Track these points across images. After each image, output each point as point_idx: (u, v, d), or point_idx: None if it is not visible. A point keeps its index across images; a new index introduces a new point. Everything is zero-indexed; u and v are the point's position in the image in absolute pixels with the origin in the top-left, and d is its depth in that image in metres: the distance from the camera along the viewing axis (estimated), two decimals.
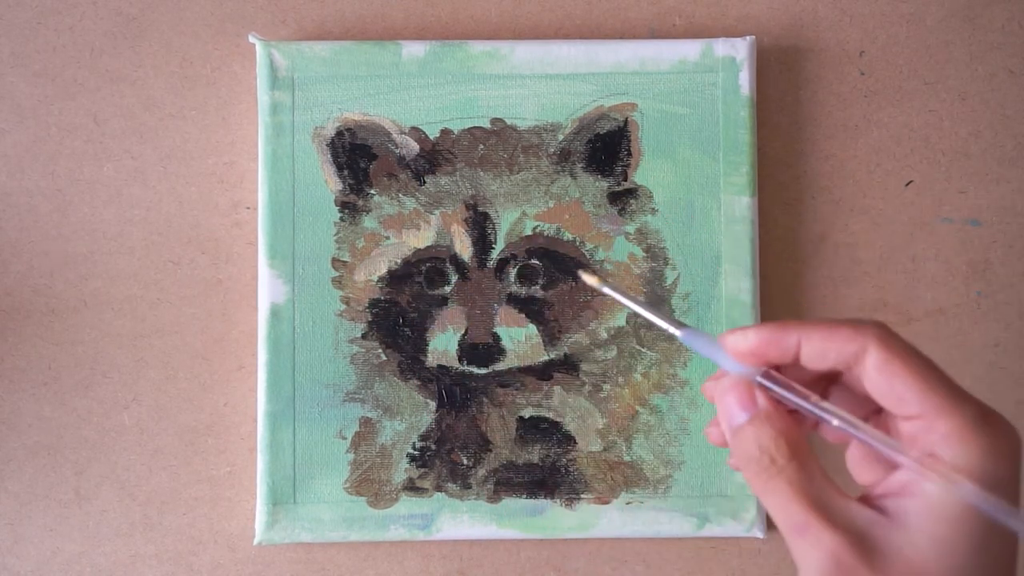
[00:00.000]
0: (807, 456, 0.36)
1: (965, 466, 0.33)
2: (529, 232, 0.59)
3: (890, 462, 0.37)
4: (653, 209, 0.59)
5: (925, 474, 0.34)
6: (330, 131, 0.59)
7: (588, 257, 0.59)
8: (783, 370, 0.39)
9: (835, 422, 0.37)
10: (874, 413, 0.39)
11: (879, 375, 0.35)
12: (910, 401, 0.35)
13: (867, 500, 0.36)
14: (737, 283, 0.59)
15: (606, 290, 0.43)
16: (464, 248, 0.59)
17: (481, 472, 0.59)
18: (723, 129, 0.59)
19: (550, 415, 0.59)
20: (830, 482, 0.36)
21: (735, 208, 0.59)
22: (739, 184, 0.59)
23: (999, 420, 0.34)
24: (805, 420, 0.40)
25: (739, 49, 0.59)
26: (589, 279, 0.45)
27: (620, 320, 0.59)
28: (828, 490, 0.35)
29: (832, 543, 0.34)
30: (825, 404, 0.37)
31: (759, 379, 0.38)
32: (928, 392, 0.34)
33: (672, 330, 0.41)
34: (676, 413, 0.59)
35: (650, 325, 0.59)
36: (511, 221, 0.59)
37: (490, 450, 0.59)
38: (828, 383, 0.40)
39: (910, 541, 0.34)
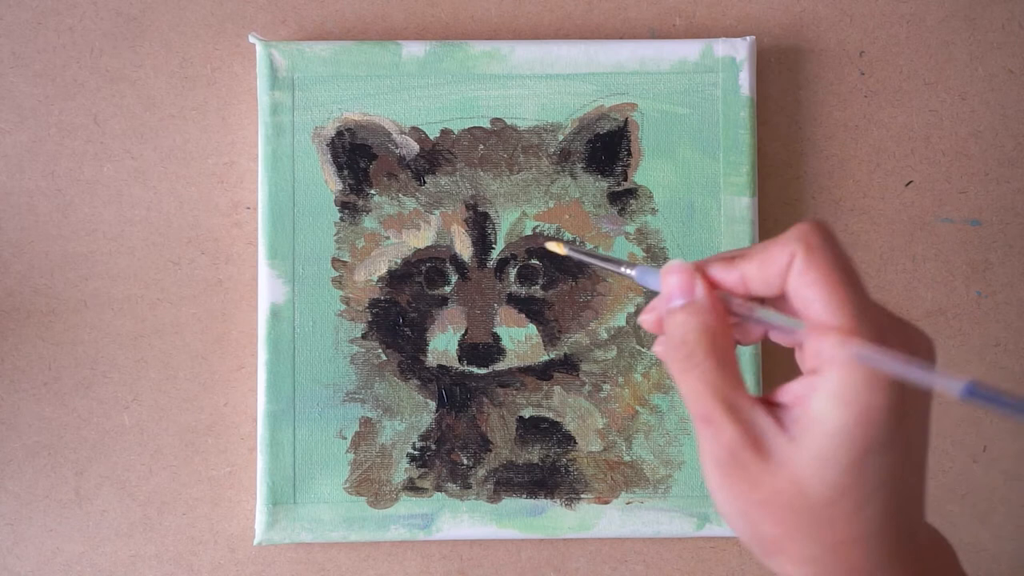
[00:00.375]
0: (725, 354, 0.37)
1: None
2: (529, 232, 0.59)
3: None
4: (653, 209, 0.59)
5: (817, 337, 0.35)
6: (330, 131, 0.59)
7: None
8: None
9: (735, 305, 0.38)
10: None
11: (796, 283, 0.36)
12: (819, 312, 0.36)
13: (769, 404, 0.37)
14: None
15: (569, 252, 0.45)
16: (464, 248, 0.59)
17: (481, 472, 0.59)
18: (723, 129, 0.59)
19: (550, 415, 0.59)
20: (741, 383, 0.37)
21: (735, 208, 0.59)
22: (739, 184, 0.59)
23: (892, 343, 0.35)
24: (747, 327, 0.41)
25: (739, 49, 0.59)
26: (554, 247, 0.46)
27: (620, 320, 0.59)
28: (738, 390, 0.37)
29: (732, 436, 0.36)
30: (739, 300, 0.39)
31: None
32: (834, 306, 0.35)
33: (626, 272, 0.42)
34: (676, 413, 0.59)
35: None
36: (511, 221, 0.59)
37: (490, 450, 0.59)
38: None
39: (796, 453, 0.35)
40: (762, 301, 0.39)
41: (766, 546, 0.37)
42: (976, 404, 0.32)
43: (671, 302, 0.39)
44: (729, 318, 0.39)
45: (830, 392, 0.34)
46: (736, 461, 0.36)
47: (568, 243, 0.46)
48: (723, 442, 0.36)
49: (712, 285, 0.39)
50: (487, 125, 0.59)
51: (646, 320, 0.41)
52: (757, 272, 0.38)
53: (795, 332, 0.37)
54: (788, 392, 0.37)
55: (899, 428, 0.35)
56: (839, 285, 0.36)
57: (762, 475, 0.36)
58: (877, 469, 0.35)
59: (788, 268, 0.37)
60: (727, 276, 0.38)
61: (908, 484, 0.36)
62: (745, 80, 0.59)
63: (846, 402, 0.34)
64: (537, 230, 0.59)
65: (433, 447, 0.59)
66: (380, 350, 0.59)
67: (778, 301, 0.39)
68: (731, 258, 0.39)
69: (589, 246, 0.59)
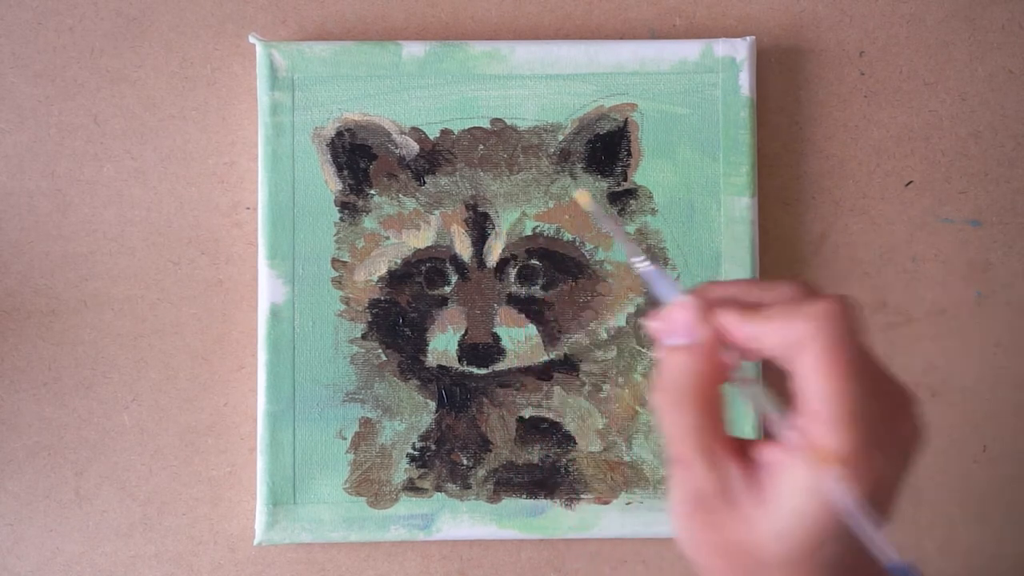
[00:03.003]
0: (712, 401, 0.38)
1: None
2: (529, 232, 0.59)
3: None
4: (653, 209, 0.59)
5: (794, 452, 0.36)
6: (330, 131, 0.59)
7: (588, 257, 0.59)
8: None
9: (733, 369, 0.39)
10: None
11: (804, 368, 0.37)
12: (812, 402, 0.36)
13: (744, 454, 0.38)
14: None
15: (593, 210, 0.44)
16: (464, 248, 0.59)
17: (481, 472, 0.59)
18: (723, 129, 0.59)
19: (550, 415, 0.59)
20: (722, 431, 0.38)
21: (735, 208, 0.59)
22: (739, 184, 0.59)
23: (873, 456, 0.36)
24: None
25: (739, 49, 0.59)
26: (583, 199, 0.46)
27: (620, 320, 0.59)
28: (717, 439, 0.38)
29: (703, 483, 0.38)
30: (738, 368, 0.39)
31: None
32: (831, 403, 0.36)
33: (636, 265, 0.42)
34: None
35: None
36: (511, 221, 0.59)
37: (490, 450, 0.59)
38: None
39: (759, 517, 0.37)
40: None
41: None
42: None
43: (671, 336, 0.39)
44: (722, 366, 0.39)
45: (803, 478, 0.36)
46: (702, 505, 0.38)
47: (594, 203, 0.45)
48: (693, 486, 0.38)
49: (718, 328, 0.39)
50: (487, 125, 0.59)
51: (650, 327, 0.41)
52: (772, 338, 0.38)
53: (779, 419, 0.38)
54: (767, 452, 0.38)
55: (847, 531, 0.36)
56: (846, 381, 0.36)
57: (724, 521, 0.37)
58: (830, 554, 0.36)
59: (804, 347, 0.37)
60: (739, 329, 0.38)
61: (857, 571, 0.37)
62: (745, 80, 0.59)
63: (815, 493, 0.35)
64: (537, 230, 0.59)
65: (433, 447, 0.59)
66: (380, 350, 0.59)
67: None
68: (749, 309, 0.38)
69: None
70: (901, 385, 0.39)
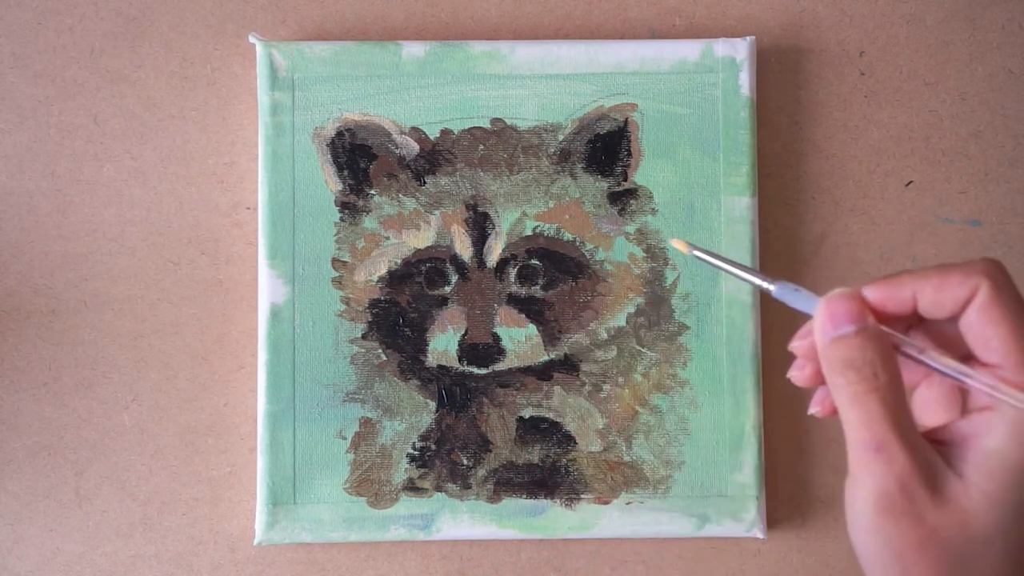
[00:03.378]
0: (900, 381, 0.37)
1: None
2: (529, 232, 0.59)
3: (956, 410, 0.38)
4: (653, 209, 0.59)
5: (998, 392, 0.35)
6: (330, 131, 0.59)
7: (588, 257, 0.59)
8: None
9: (934, 364, 0.37)
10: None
11: (977, 317, 0.36)
12: (995, 350, 0.36)
13: (932, 441, 0.37)
14: (737, 283, 0.59)
15: (697, 254, 0.43)
16: (464, 248, 0.59)
17: (481, 472, 0.59)
18: (723, 129, 0.59)
19: (550, 415, 0.59)
20: (910, 413, 0.36)
21: (735, 208, 0.59)
22: (739, 184, 0.59)
23: None
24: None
25: (739, 49, 0.59)
26: (679, 244, 0.45)
27: (620, 320, 0.59)
28: (910, 418, 0.36)
29: (904, 465, 0.35)
30: (909, 341, 0.38)
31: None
32: (1014, 346, 0.35)
33: (765, 285, 0.41)
34: (676, 413, 0.59)
35: (650, 324, 0.59)
36: (511, 221, 0.59)
37: (490, 450, 0.59)
38: (908, 325, 0.41)
39: (964, 490, 0.35)
40: (921, 321, 0.39)
41: None
42: None
43: (838, 329, 0.38)
44: (893, 346, 0.38)
45: (1010, 430, 0.34)
46: (905, 494, 0.35)
47: (692, 245, 0.45)
48: (895, 471, 0.35)
49: (875, 304, 0.38)
50: (487, 125, 0.59)
51: (798, 347, 0.40)
52: (933, 293, 0.37)
53: (965, 380, 0.37)
54: (952, 431, 0.37)
55: None
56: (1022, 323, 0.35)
57: (928, 511, 0.35)
58: None
59: (969, 299, 0.36)
60: (896, 293, 0.38)
61: None
62: (745, 80, 0.59)
63: (1019, 447, 0.34)
64: (537, 230, 0.59)
65: (433, 447, 0.59)
66: (380, 350, 0.59)
67: (938, 324, 0.38)
68: (897, 277, 0.38)
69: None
70: None
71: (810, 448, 0.61)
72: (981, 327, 0.36)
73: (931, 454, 0.36)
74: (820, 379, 0.39)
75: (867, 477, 0.36)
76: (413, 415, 0.59)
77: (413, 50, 0.59)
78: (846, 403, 0.37)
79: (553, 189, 0.59)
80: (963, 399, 0.39)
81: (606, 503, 0.59)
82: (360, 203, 0.59)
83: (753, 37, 0.60)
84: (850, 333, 0.37)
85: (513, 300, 0.59)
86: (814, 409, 0.40)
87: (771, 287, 0.41)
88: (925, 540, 0.35)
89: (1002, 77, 0.62)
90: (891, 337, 0.38)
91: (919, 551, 0.35)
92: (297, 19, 0.61)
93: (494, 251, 0.59)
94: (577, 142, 0.59)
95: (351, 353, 0.59)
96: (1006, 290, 0.36)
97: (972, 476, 0.35)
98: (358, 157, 0.59)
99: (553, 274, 0.59)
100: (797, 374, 0.40)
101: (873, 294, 0.38)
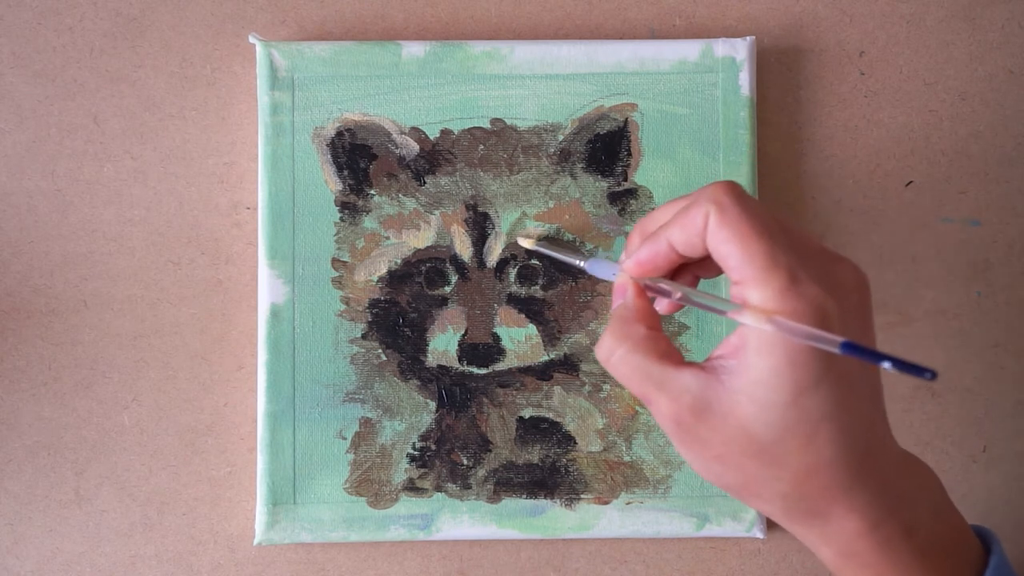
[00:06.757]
0: (646, 339, 0.41)
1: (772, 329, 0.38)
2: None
3: None
4: (653, 209, 0.59)
5: (740, 316, 0.38)
6: (330, 131, 0.59)
7: (588, 257, 0.59)
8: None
9: (677, 294, 0.42)
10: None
11: (713, 243, 0.39)
12: (733, 268, 0.38)
13: (709, 364, 0.40)
14: None
15: (538, 248, 0.51)
16: (464, 248, 0.59)
17: (481, 472, 0.59)
18: (723, 129, 0.59)
19: (550, 415, 0.59)
20: (667, 358, 0.40)
21: None
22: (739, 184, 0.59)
23: (805, 288, 0.37)
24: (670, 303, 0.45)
25: (739, 49, 0.59)
26: (525, 242, 0.51)
27: None
28: (666, 365, 0.40)
29: (667, 409, 0.40)
30: (662, 282, 0.43)
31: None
32: (746, 261, 0.38)
33: (580, 264, 0.47)
34: None
35: None
36: (511, 221, 0.59)
37: (490, 450, 0.59)
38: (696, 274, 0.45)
39: (736, 400, 0.38)
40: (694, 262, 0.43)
41: (738, 492, 0.40)
42: (857, 357, 0.35)
43: (616, 302, 0.44)
44: (647, 308, 0.43)
45: (759, 343, 0.37)
46: (681, 427, 0.40)
47: (539, 239, 0.54)
48: (664, 413, 0.40)
49: (643, 269, 0.42)
50: (487, 125, 0.59)
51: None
52: (680, 236, 0.40)
53: (717, 308, 0.40)
54: (727, 345, 0.40)
55: (830, 366, 0.37)
56: (750, 238, 0.38)
57: (709, 433, 0.39)
58: (816, 404, 0.37)
59: (705, 228, 0.39)
60: (657, 249, 0.42)
61: (859, 413, 0.38)
62: (745, 80, 0.59)
63: (772, 351, 0.37)
64: (537, 230, 0.59)
65: (433, 447, 0.59)
66: (380, 350, 0.59)
67: (708, 260, 0.42)
68: (653, 234, 0.42)
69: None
70: (822, 244, 0.41)
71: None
72: (717, 251, 0.39)
73: (695, 384, 0.39)
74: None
75: (654, 417, 0.41)
76: (413, 415, 0.59)
77: (413, 50, 0.59)
78: (613, 374, 0.42)
79: (553, 189, 0.59)
80: None
81: (606, 503, 0.59)
82: (360, 203, 0.59)
83: (753, 37, 0.60)
84: (611, 312, 0.43)
85: (513, 300, 0.59)
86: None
87: (584, 264, 0.47)
88: (720, 455, 0.39)
89: (1002, 77, 0.62)
90: (649, 287, 0.43)
91: (721, 463, 0.39)
92: (297, 19, 0.61)
93: (494, 251, 0.59)
94: (577, 142, 0.59)
95: (351, 353, 0.59)
96: (731, 210, 0.38)
97: (740, 387, 0.38)
98: (358, 157, 0.59)
99: (553, 274, 0.59)
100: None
101: (642, 256, 0.42)
